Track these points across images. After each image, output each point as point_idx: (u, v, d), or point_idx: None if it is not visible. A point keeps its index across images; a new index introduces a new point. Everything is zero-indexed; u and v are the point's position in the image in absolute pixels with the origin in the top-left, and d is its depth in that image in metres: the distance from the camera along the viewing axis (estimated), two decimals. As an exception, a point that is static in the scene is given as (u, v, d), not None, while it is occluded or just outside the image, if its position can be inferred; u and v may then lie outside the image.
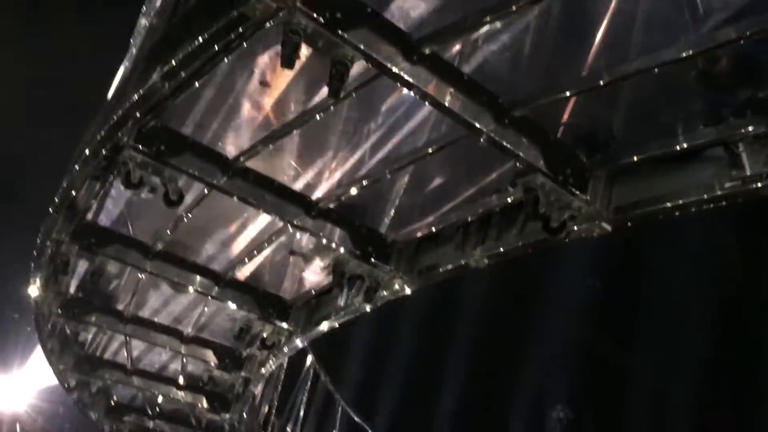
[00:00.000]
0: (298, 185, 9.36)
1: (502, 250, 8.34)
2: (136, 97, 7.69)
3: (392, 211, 9.46)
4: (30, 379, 30.40)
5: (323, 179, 9.38)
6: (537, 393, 29.54)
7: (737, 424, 28.23)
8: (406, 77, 6.76)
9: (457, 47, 7.42)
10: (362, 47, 6.47)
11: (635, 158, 7.28)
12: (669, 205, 7.14)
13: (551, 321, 29.31)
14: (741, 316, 27.86)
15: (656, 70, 6.53)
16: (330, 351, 20.06)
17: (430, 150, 8.39)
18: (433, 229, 9.10)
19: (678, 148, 7.00)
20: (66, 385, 15.53)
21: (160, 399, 15.77)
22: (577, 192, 7.41)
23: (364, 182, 8.99)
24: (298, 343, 12.13)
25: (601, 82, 6.96)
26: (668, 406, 29.09)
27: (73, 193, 9.24)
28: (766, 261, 25.95)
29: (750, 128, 6.53)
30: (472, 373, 27.59)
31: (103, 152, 8.37)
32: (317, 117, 7.99)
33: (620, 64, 6.87)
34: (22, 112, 25.49)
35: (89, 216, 10.27)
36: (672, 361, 28.95)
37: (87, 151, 8.54)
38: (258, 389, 15.40)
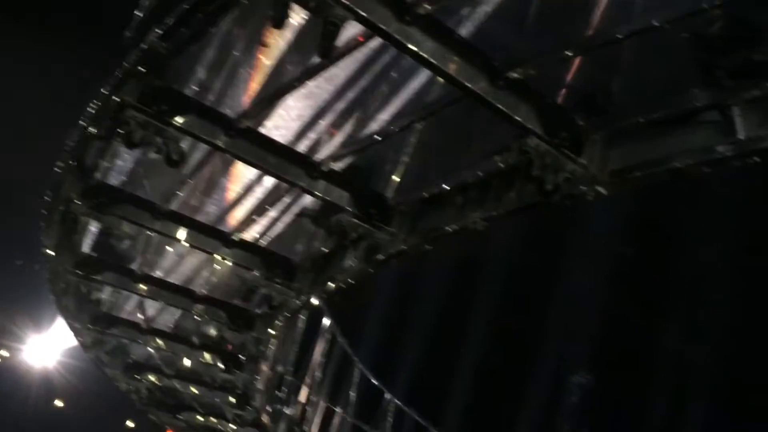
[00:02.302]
0: (301, 146, 9.40)
1: (499, 212, 8.33)
2: (137, 55, 7.77)
3: (395, 174, 9.49)
4: (58, 338, 31.01)
5: (326, 141, 9.42)
6: (559, 357, 29.63)
7: (764, 391, 28.16)
8: (399, 38, 6.77)
9: (454, 7, 7.39)
10: (354, 8, 6.47)
11: (631, 122, 7.23)
12: (664, 168, 7.08)
13: (576, 286, 29.33)
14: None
15: (653, 31, 6.48)
16: (349, 312, 20.23)
17: (430, 112, 8.42)
18: (435, 192, 9.10)
19: (673, 111, 6.94)
20: (83, 343, 15.82)
21: (175, 358, 16.03)
22: (572, 155, 7.38)
23: (367, 143, 9.02)
24: (312, 302, 12.28)
25: (601, 44, 6.94)
26: (692, 374, 29.05)
27: (80, 151, 9.35)
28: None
29: (744, 92, 6.45)
30: (493, 336, 27.70)
31: (109, 111, 8.46)
32: (316, 77, 8.00)
33: (619, 26, 6.82)
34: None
35: (98, 175, 10.39)
36: (698, 329, 28.88)
37: (93, 110, 8.64)
38: (272, 349, 15.55)
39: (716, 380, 28.82)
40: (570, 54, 7.20)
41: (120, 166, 10.59)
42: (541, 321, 28.33)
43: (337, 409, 20.85)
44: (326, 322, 18.93)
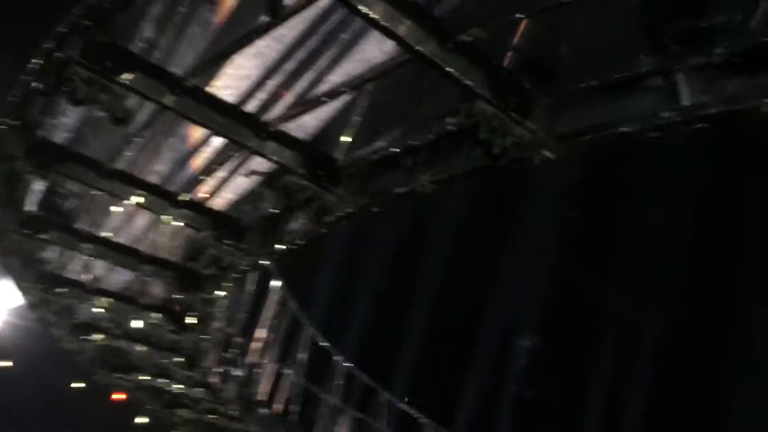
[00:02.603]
0: (250, 107, 9.31)
1: (448, 175, 8.36)
2: (81, 9, 7.62)
3: (344, 136, 9.45)
4: (6, 297, 30.62)
5: (275, 101, 9.34)
6: (507, 321, 29.98)
7: (710, 355, 28.81)
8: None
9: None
10: (303, -34, 6.41)
11: (578, 87, 7.28)
12: (609, 133, 7.15)
13: (525, 250, 29.63)
14: (715, 247, 28.24)
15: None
16: (299, 274, 20.24)
17: (380, 74, 8.39)
18: (384, 154, 9.08)
19: (620, 77, 7.00)
20: (30, 302, 15.62)
21: (122, 319, 15.90)
22: (520, 119, 7.42)
23: (316, 105, 8.97)
24: (261, 263, 12.26)
25: (549, 7, 6.98)
26: (639, 336, 29.59)
27: (23, 108, 9.17)
28: (739, 186, 26.21)
29: (689, 58, 6.52)
30: (441, 298, 27.89)
31: (51, 66, 8.30)
32: (265, 37, 7.92)
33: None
34: None
35: (43, 133, 10.20)
36: (645, 292, 29.39)
37: (36, 65, 8.47)
38: (220, 310, 15.51)
39: (661, 345, 29.39)
40: (520, 17, 7.21)
41: (65, 123, 10.41)
42: (489, 284, 28.60)
43: (287, 371, 20.92)
44: (275, 283, 18.92)
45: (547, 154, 7.56)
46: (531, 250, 29.65)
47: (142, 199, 10.82)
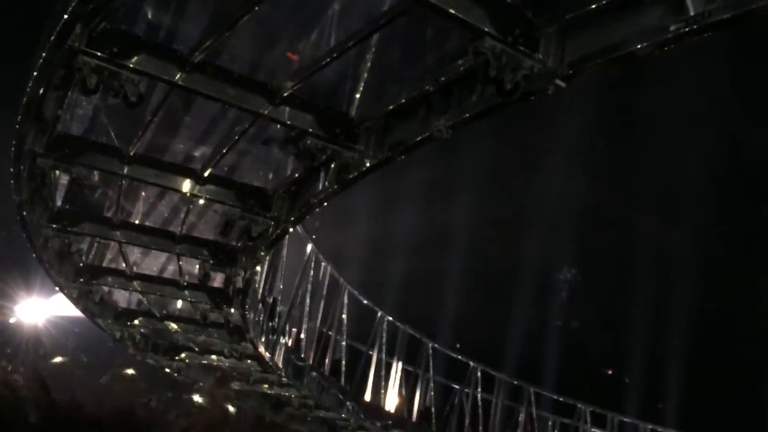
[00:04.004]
0: (259, 75, 9.32)
1: (463, 117, 8.34)
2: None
3: (356, 92, 9.45)
4: (52, 296, 31.24)
5: (283, 66, 9.35)
6: (542, 255, 29.99)
7: (742, 277, 28.71)
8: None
9: None
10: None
11: (583, 11, 7.21)
12: (620, 53, 7.09)
13: (554, 183, 29.55)
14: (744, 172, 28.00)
15: None
16: (329, 235, 20.39)
17: (383, 24, 8.34)
18: (398, 105, 9.08)
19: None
20: (70, 296, 15.88)
21: (164, 301, 16.13)
22: (528, 51, 7.37)
23: (324, 64, 8.95)
24: (291, 229, 12.37)
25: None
26: (673, 263, 29.52)
27: (37, 104, 9.25)
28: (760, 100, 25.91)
29: (691, -34, 6.44)
30: (475, 239, 27.91)
31: (59, 59, 8.35)
32: (264, 2, 7.89)
33: None
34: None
35: (60, 127, 10.30)
36: (676, 219, 29.26)
37: (41, 60, 8.51)
38: (259, 281, 15.69)
39: (695, 262, 29.32)
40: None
41: (81, 115, 10.52)
42: (520, 220, 28.61)
43: (331, 333, 21.17)
44: (309, 247, 19.06)
45: (560, 83, 7.51)
46: (558, 181, 29.59)
47: (166, 182, 10.93)
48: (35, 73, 8.69)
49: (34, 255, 13.45)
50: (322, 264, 19.71)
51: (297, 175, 10.94)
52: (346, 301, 21.17)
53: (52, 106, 9.54)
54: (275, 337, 18.82)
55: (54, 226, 12.20)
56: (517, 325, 29.38)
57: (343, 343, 21.61)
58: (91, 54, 8.14)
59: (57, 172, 10.71)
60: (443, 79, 8.55)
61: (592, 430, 25.34)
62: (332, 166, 9.82)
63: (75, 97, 9.90)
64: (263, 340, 17.95)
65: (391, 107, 9.14)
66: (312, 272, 19.48)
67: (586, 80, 7.79)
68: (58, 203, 12.25)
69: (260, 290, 16.46)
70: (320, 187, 10.46)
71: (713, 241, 28.66)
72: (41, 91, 9.01)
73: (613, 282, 29.87)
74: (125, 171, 10.76)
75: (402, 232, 27.24)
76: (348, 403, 21.79)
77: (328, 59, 8.85)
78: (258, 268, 13.89)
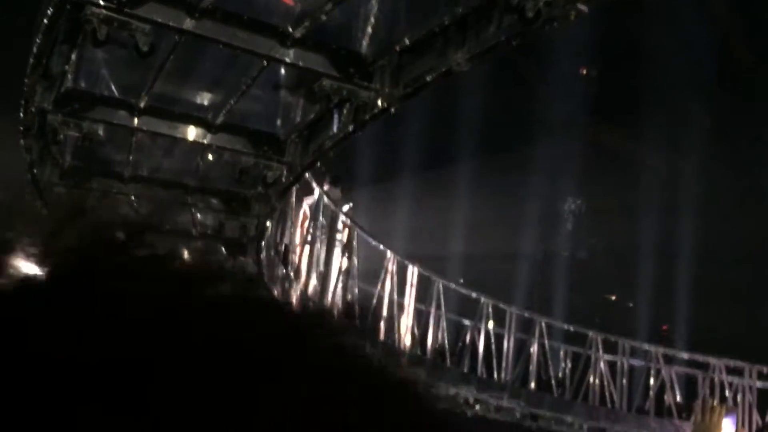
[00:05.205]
0: (268, 18, 9.16)
1: (482, 49, 8.21)
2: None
3: (368, 29, 9.30)
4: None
5: (292, 7, 9.18)
6: (546, 187, 29.94)
7: (741, 193, 28.75)
8: None
9: None
10: None
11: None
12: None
13: (553, 114, 29.39)
14: (739, 79, 27.84)
15: None
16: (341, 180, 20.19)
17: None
18: (413, 40, 8.93)
19: None
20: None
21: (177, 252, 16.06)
22: (550, -24, 7.23)
23: (334, 2, 8.79)
24: (301, 175, 12.27)
25: None
26: (678, 186, 29.50)
27: (44, 59, 9.11)
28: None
29: None
30: (478, 175, 27.80)
31: (67, 12, 8.20)
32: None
33: None
34: None
35: (68, 83, 10.15)
36: (676, 138, 29.17)
37: (48, 13, 8.36)
38: (272, 228, 15.61)
39: (700, 186, 29.33)
40: None
41: (89, 69, 10.36)
42: (521, 156, 28.46)
43: (343, 277, 21.17)
44: (317, 192, 18.94)
45: (582, 8, 7.38)
46: (556, 114, 29.43)
47: (177, 132, 10.81)
48: (42, 25, 8.54)
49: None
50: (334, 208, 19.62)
51: (309, 119, 10.81)
52: (355, 245, 21.12)
53: (59, 60, 9.39)
54: (289, 284, 18.81)
55: (65, 183, 12.09)
56: (523, 258, 29.49)
57: (356, 289, 21.61)
58: (99, 4, 7.97)
59: (65, 128, 10.54)
60: (459, 10, 8.42)
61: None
62: (347, 106, 9.69)
63: (83, 50, 9.73)
64: (278, 288, 17.93)
65: (406, 43, 8.99)
66: (325, 217, 19.39)
67: None
68: (68, 159, 12.13)
69: (274, 237, 16.40)
70: (335, 129, 10.34)
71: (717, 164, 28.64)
72: (48, 47, 8.88)
73: (618, 210, 29.86)
74: (136, 123, 10.64)
75: (408, 161, 27.12)
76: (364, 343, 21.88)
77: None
78: (272, 214, 13.80)
